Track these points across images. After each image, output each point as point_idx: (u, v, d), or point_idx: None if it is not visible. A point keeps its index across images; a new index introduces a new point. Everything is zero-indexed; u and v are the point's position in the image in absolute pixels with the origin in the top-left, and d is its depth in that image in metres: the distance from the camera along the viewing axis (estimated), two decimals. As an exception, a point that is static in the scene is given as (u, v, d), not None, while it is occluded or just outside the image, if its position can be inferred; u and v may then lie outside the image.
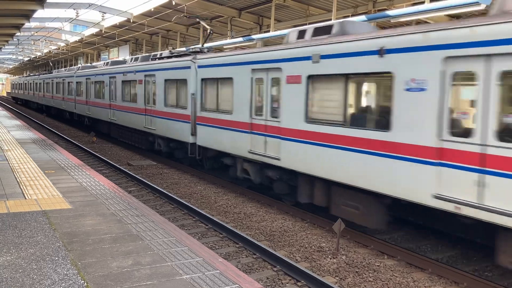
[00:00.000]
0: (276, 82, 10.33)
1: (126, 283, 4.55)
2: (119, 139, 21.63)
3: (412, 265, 7.54)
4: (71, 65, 57.05)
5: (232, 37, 23.72)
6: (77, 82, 28.29)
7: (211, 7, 23.00)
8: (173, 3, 22.58)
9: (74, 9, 27.99)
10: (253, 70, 10.99)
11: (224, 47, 23.91)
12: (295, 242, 8.48)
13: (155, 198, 11.62)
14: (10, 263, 4.98)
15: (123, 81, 19.71)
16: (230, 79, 11.92)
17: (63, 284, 4.48)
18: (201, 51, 15.23)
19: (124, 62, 23.00)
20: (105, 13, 29.05)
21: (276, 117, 10.28)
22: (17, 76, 77.40)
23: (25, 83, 53.75)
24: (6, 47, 47.23)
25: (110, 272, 4.82)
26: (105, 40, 39.53)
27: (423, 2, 15.00)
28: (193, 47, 16.81)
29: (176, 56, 16.04)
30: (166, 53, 17.46)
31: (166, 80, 15.55)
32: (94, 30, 36.79)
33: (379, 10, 18.11)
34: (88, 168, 10.95)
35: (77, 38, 43.06)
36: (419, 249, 8.19)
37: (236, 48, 24.27)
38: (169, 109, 15.38)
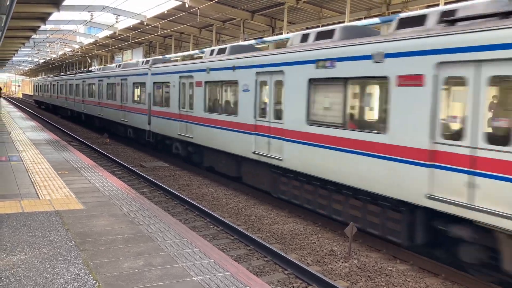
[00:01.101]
0: None
1: (138, 284, 4.57)
2: (290, 200, 10.64)
3: (425, 270, 7.45)
4: (84, 67, 55.12)
5: (245, 39, 23.68)
6: (154, 83, 18.15)
7: (224, 9, 23.10)
8: (187, 6, 22.73)
9: (88, 11, 28.32)
10: None
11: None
12: (306, 246, 8.44)
13: (167, 199, 11.67)
14: (24, 262, 5.03)
15: (314, 81, 9.50)
16: None
17: (75, 283, 4.51)
18: None
19: (262, 49, 14.12)
20: (119, 15, 29.36)
21: None
22: (40, 77, 67.30)
23: (54, 85, 41.32)
24: (22, 49, 48.00)
25: (121, 273, 4.84)
26: (119, 42, 39.95)
27: (437, 5, 14.88)
28: None
29: None
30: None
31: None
32: (108, 33, 37.24)
33: (393, 13, 17.99)
34: (101, 169, 11.04)
35: (91, 40, 43.61)
36: (432, 254, 8.09)
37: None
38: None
